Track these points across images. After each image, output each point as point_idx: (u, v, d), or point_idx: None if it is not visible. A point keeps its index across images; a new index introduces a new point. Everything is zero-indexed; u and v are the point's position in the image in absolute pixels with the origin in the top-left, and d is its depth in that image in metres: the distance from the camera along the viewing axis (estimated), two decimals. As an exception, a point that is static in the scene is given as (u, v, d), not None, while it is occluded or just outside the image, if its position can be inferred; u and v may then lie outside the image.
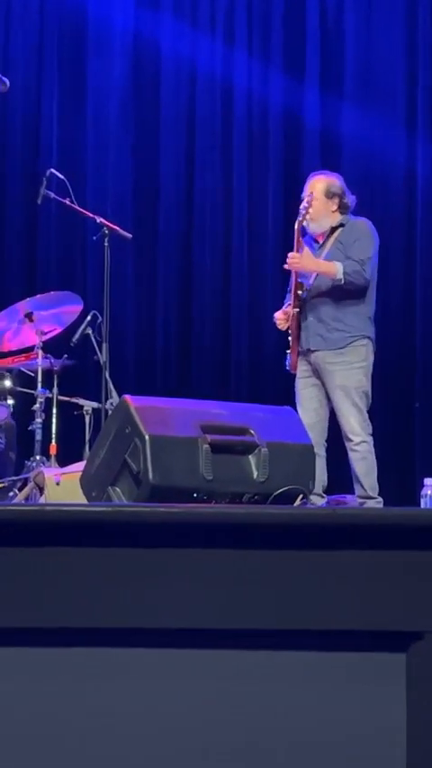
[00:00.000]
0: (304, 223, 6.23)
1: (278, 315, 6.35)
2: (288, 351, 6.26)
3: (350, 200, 6.32)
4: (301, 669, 2.59)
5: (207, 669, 2.58)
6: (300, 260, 6.15)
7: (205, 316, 8.91)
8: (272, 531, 2.56)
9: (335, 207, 6.26)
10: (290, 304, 6.27)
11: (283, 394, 7.48)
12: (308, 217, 6.22)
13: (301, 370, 6.22)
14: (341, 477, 6.42)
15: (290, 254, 6.18)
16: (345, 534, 2.44)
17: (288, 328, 6.25)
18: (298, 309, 6.22)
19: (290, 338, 6.24)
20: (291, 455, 4.52)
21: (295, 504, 4.45)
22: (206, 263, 8.98)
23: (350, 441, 6.07)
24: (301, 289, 6.22)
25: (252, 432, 4.46)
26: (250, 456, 4.43)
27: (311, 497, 5.83)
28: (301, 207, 6.22)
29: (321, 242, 6.30)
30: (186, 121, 9.09)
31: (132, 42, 9.03)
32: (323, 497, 6.04)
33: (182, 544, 2.51)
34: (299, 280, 6.23)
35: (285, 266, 6.24)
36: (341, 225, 6.28)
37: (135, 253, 8.75)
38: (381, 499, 6.05)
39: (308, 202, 6.20)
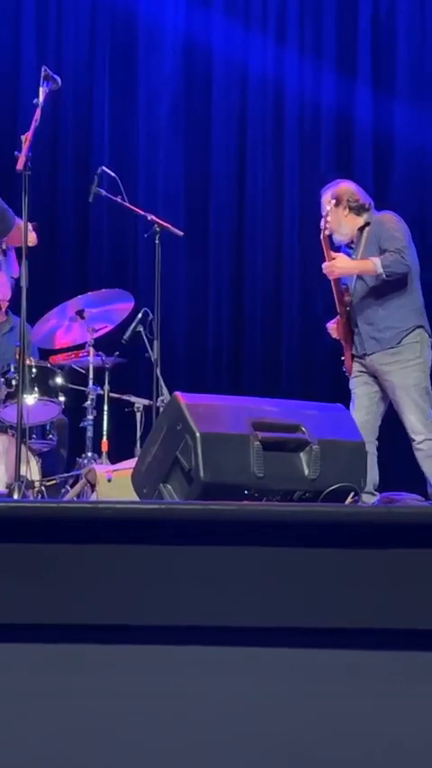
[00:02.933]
0: (335, 238, 6.26)
1: (330, 325, 6.40)
2: (342, 357, 6.33)
3: (362, 198, 6.30)
4: (355, 668, 2.58)
5: (259, 666, 2.58)
6: (333, 265, 6.17)
7: (256, 313, 8.91)
8: (325, 529, 2.55)
9: (346, 211, 6.26)
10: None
11: (334, 392, 7.46)
12: (330, 230, 6.24)
13: (356, 370, 6.25)
14: (395, 475, 6.40)
15: (324, 265, 6.20)
16: (400, 532, 2.42)
17: (338, 336, 6.34)
18: (345, 316, 6.26)
19: (343, 343, 6.32)
20: (342, 452, 4.52)
21: (347, 502, 4.43)
22: (257, 260, 8.98)
23: (413, 440, 6.04)
24: (346, 295, 6.24)
25: (303, 429, 4.46)
26: (301, 453, 4.43)
27: (363, 495, 5.83)
28: (321, 222, 6.24)
29: (354, 246, 6.29)
30: (237, 119, 9.09)
31: (183, 41, 9.04)
32: (375, 495, 6.01)
33: (233, 542, 2.51)
34: (342, 285, 6.25)
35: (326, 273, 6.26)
36: (367, 224, 6.27)
37: (186, 250, 8.75)
38: None
39: (325, 218, 6.23)
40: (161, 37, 9.06)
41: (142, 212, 6.96)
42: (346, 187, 6.35)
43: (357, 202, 6.28)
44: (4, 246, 5.46)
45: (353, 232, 6.28)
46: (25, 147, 4.98)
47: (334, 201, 6.25)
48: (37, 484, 6.33)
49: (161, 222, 6.87)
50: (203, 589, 2.49)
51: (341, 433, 4.59)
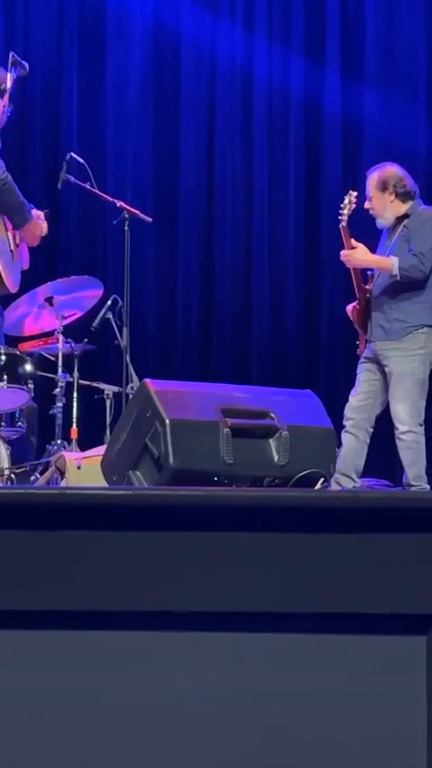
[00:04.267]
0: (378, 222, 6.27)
1: (348, 308, 6.40)
2: (357, 342, 6.37)
3: (409, 185, 6.26)
4: (321, 652, 2.59)
5: (225, 653, 2.58)
6: (350, 255, 6.18)
7: (226, 299, 8.91)
8: (292, 514, 2.56)
9: (392, 197, 6.22)
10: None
11: (303, 380, 7.49)
12: (372, 214, 6.25)
13: (364, 355, 6.27)
14: (383, 463, 6.42)
15: (342, 252, 6.21)
16: (365, 517, 2.44)
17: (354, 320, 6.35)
18: (364, 302, 6.26)
19: (357, 328, 6.34)
20: (312, 438, 4.54)
21: (316, 488, 4.45)
22: (226, 247, 8.97)
23: (396, 429, 6.02)
24: (370, 282, 6.26)
25: (273, 415, 4.47)
26: (271, 440, 4.45)
27: (342, 479, 5.85)
28: (342, 205, 6.23)
29: (390, 232, 6.29)
30: (206, 105, 9.08)
31: (151, 27, 9.01)
32: (356, 481, 6.01)
33: (202, 527, 2.51)
34: (368, 272, 6.28)
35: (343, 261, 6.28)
36: (407, 215, 6.24)
37: (156, 237, 8.74)
38: (427, 487, 5.99)
39: (368, 203, 6.24)
40: (129, 22, 9.02)
41: (111, 199, 6.94)
42: (394, 171, 6.29)
43: (405, 188, 6.23)
44: (18, 240, 5.44)
45: (394, 219, 6.25)
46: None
47: (380, 186, 6.22)
48: (6, 471, 6.31)
49: (130, 209, 6.86)
50: (171, 575, 2.49)
51: (310, 419, 4.61)
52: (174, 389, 4.43)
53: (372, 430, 6.13)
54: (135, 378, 6.59)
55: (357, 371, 6.26)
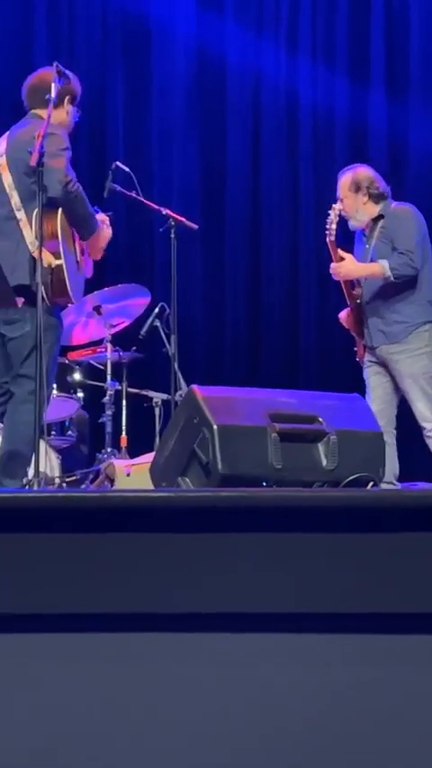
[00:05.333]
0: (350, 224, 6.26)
1: (341, 315, 6.42)
2: (355, 348, 6.37)
3: (381, 186, 6.29)
4: (377, 652, 2.58)
5: (283, 652, 2.58)
6: (341, 268, 6.18)
7: (273, 305, 8.91)
8: (341, 514, 2.55)
9: (365, 198, 6.24)
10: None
11: (353, 383, 7.44)
12: (344, 215, 6.26)
13: (368, 360, 6.27)
14: (416, 465, 6.39)
15: (331, 266, 6.21)
16: (412, 516, 2.42)
17: (349, 327, 6.36)
18: (356, 309, 6.28)
19: (354, 334, 6.35)
20: (360, 443, 4.51)
21: (365, 492, 4.42)
22: (273, 253, 8.98)
23: (423, 428, 6.05)
24: (357, 288, 6.26)
25: (321, 420, 4.46)
26: (319, 444, 4.43)
27: (383, 486, 5.82)
28: (327, 221, 6.24)
29: (367, 236, 6.29)
30: (252, 113, 9.11)
31: (195, 40, 9.05)
32: (395, 485, 6.01)
33: (249, 529, 2.51)
34: (353, 280, 6.27)
35: (334, 277, 6.28)
36: (381, 216, 6.25)
37: (203, 244, 8.75)
38: None
39: (339, 204, 6.25)
40: (173, 35, 9.08)
41: (156, 207, 6.95)
42: (366, 173, 6.31)
43: (377, 190, 6.26)
44: (82, 250, 5.47)
45: (369, 220, 6.27)
46: (38, 143, 4.97)
47: (353, 187, 6.24)
48: (57, 480, 6.35)
49: (176, 216, 6.86)
50: (215, 576, 2.49)
51: (359, 423, 4.59)
52: (221, 395, 4.43)
53: (395, 431, 6.14)
54: (183, 385, 6.59)
55: (364, 377, 6.26)
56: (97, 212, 5.62)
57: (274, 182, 9.04)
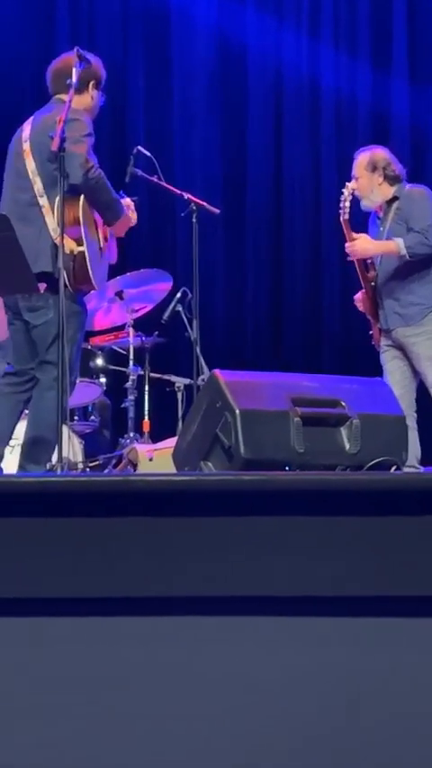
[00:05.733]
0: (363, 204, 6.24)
1: (357, 297, 6.40)
2: (371, 332, 6.35)
3: (397, 169, 6.28)
4: (400, 636, 2.58)
5: (302, 635, 2.58)
6: (356, 246, 6.16)
7: (296, 288, 8.89)
8: (365, 497, 2.55)
9: (380, 179, 6.23)
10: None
11: (377, 368, 7.43)
12: (357, 195, 6.26)
13: (384, 344, 6.27)
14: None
15: (346, 245, 6.20)
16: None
17: (364, 310, 6.36)
18: (371, 291, 6.27)
19: (369, 318, 6.35)
20: (383, 426, 4.50)
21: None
22: (296, 236, 8.95)
23: None
24: (372, 270, 6.24)
25: (343, 404, 4.44)
26: (342, 428, 4.42)
27: (406, 469, 5.81)
28: (341, 199, 6.22)
29: (381, 218, 6.28)
30: (274, 97, 9.09)
31: (216, 24, 9.03)
32: (418, 468, 6.00)
33: (272, 512, 2.51)
34: (367, 261, 6.27)
35: (349, 258, 6.27)
36: (395, 197, 6.23)
37: (225, 229, 8.75)
38: None
39: (354, 183, 6.23)
40: (194, 21, 9.06)
41: (178, 191, 6.93)
42: (383, 154, 6.31)
43: (393, 172, 6.25)
44: (107, 235, 5.48)
45: (383, 201, 6.25)
46: (59, 128, 4.97)
47: (370, 167, 6.23)
48: (80, 465, 6.36)
49: (197, 201, 6.85)
50: (238, 560, 2.49)
51: (381, 406, 4.57)
52: (243, 380, 4.42)
53: (416, 414, 6.12)
54: (206, 369, 6.59)
55: (382, 362, 6.25)
56: (122, 197, 5.62)
57: (295, 166, 9.01)
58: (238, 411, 4.21)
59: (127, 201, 5.62)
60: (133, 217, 5.62)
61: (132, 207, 5.65)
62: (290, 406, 4.32)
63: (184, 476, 2.94)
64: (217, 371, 4.39)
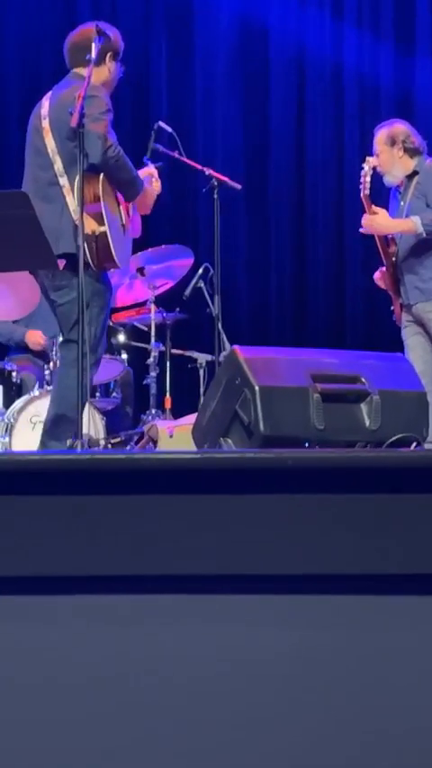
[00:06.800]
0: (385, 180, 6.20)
1: (376, 275, 6.38)
2: (392, 308, 6.30)
3: (417, 141, 6.24)
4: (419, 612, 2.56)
5: (318, 615, 2.56)
6: (373, 222, 6.12)
7: (319, 264, 8.86)
8: (385, 474, 2.53)
9: (401, 152, 6.20)
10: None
11: (399, 344, 7.39)
12: (380, 171, 6.23)
13: (406, 320, 6.26)
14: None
15: (363, 218, 6.15)
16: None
17: (385, 286, 6.32)
18: (391, 267, 6.25)
19: (390, 294, 6.30)
20: (403, 402, 4.47)
21: (408, 452, 4.39)
22: (318, 213, 8.93)
23: None
24: (392, 245, 6.21)
25: (363, 380, 4.41)
26: (362, 404, 4.39)
27: (427, 446, 5.78)
28: (362, 173, 6.19)
29: (402, 192, 6.24)
30: (296, 73, 9.05)
31: (238, 9, 9.01)
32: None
33: (292, 490, 2.49)
34: (388, 236, 6.20)
35: (361, 230, 6.23)
36: (416, 172, 6.19)
37: (247, 204, 8.72)
38: None
39: (375, 159, 6.21)
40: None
41: (200, 167, 6.90)
42: (402, 127, 6.28)
43: (413, 144, 6.21)
44: (130, 211, 5.46)
45: (404, 175, 6.21)
46: (78, 104, 4.94)
47: (389, 141, 6.19)
48: (102, 442, 6.36)
49: (219, 176, 6.82)
50: (259, 537, 2.47)
51: (402, 382, 4.54)
52: (263, 356, 4.39)
53: None
54: (228, 346, 6.58)
55: (403, 337, 6.22)
56: (147, 164, 5.60)
57: (318, 140, 8.98)
58: (257, 387, 4.18)
59: (151, 170, 5.60)
60: (157, 185, 5.60)
61: (156, 175, 5.63)
62: (309, 383, 4.29)
63: (201, 453, 2.91)
64: (236, 348, 4.37)
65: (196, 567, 2.47)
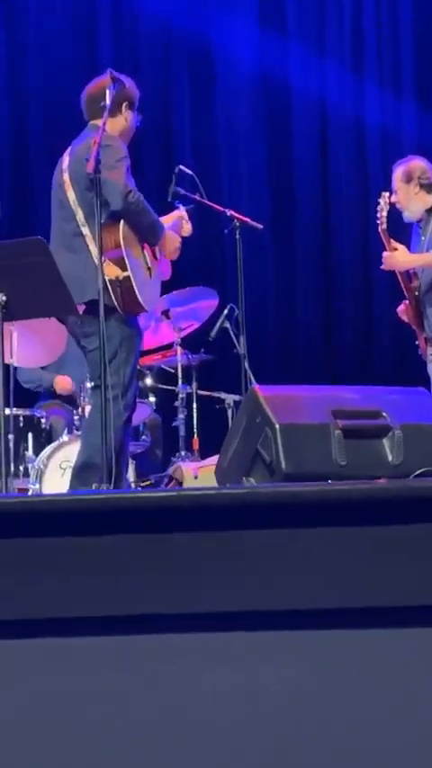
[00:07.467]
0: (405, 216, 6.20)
1: (400, 309, 6.39)
2: (417, 342, 6.31)
3: None
4: None
5: (346, 650, 2.55)
6: (392, 259, 6.15)
7: (346, 302, 8.86)
8: (409, 505, 2.52)
9: (417, 188, 6.22)
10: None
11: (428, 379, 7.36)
12: (399, 207, 6.26)
13: (430, 354, 6.20)
14: None
15: (383, 255, 6.16)
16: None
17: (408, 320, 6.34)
18: (414, 301, 6.27)
19: (414, 328, 6.33)
20: (426, 436, 4.45)
21: None
22: (344, 250, 8.93)
23: None
24: (415, 280, 6.21)
25: (385, 414, 4.40)
26: (384, 439, 4.37)
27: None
28: (378, 209, 6.20)
29: (423, 228, 6.25)
30: (318, 115, 9.12)
31: (258, 57, 9.08)
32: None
33: (316, 524, 2.48)
34: (410, 272, 6.22)
35: (382, 267, 6.25)
36: None
37: (273, 244, 8.75)
38: None
39: (394, 196, 6.25)
40: (238, 48, 9.10)
41: (221, 208, 6.94)
42: (419, 164, 6.31)
43: (429, 180, 6.22)
44: (157, 254, 5.51)
45: (423, 211, 6.23)
46: (94, 150, 4.99)
47: (405, 178, 6.22)
48: (132, 485, 6.37)
49: (240, 217, 6.85)
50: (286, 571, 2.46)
51: (424, 416, 4.52)
52: (283, 394, 4.40)
53: None
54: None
55: (429, 372, 6.20)
56: (177, 207, 5.64)
57: (343, 180, 9.01)
58: (277, 426, 4.18)
59: (181, 213, 5.64)
60: (187, 227, 5.65)
61: (186, 217, 5.67)
62: (330, 419, 4.28)
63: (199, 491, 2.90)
64: (256, 386, 4.39)
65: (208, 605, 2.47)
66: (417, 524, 2.56)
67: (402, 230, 6.47)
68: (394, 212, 6.31)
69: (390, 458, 4.34)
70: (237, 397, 6.97)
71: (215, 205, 6.97)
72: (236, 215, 6.86)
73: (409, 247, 6.27)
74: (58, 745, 2.37)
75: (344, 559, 2.47)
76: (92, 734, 2.36)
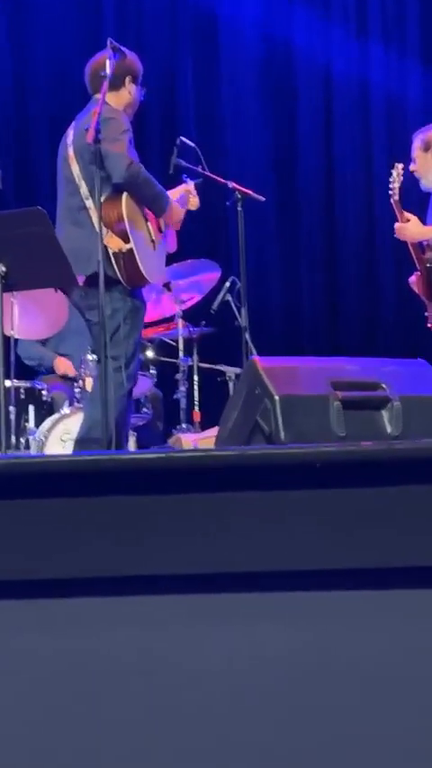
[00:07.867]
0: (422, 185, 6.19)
1: (412, 279, 6.38)
2: (426, 313, 6.25)
3: None
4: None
5: (341, 610, 2.55)
6: (404, 230, 6.12)
7: (350, 274, 8.84)
8: (404, 466, 2.52)
9: None
10: None
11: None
12: (417, 176, 6.23)
13: None
14: None
15: (395, 226, 6.13)
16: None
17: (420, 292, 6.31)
18: (425, 273, 6.23)
19: (425, 300, 6.30)
20: (426, 408, 4.43)
21: None
22: (349, 220, 8.91)
23: None
24: (428, 251, 6.19)
25: (384, 386, 4.39)
26: (383, 411, 4.35)
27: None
28: (390, 180, 6.18)
29: None
30: (322, 84, 9.08)
31: (263, 16, 9.03)
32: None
33: (308, 485, 2.48)
34: (423, 243, 6.20)
35: (395, 235, 6.23)
36: None
37: (277, 215, 8.73)
38: None
39: (412, 165, 6.21)
40: (242, 8, 9.05)
41: (222, 180, 6.91)
42: None
43: None
44: (162, 226, 5.51)
45: None
46: (94, 120, 4.98)
47: (424, 146, 6.18)
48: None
49: (242, 189, 6.83)
50: (282, 533, 2.46)
51: (423, 388, 4.51)
52: (282, 365, 4.39)
53: None
54: (257, 357, 6.56)
55: None
56: (185, 181, 5.63)
57: (346, 150, 8.98)
58: (277, 397, 4.17)
59: (188, 186, 5.64)
60: (195, 201, 5.65)
61: (193, 191, 5.67)
62: (329, 390, 4.27)
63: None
64: (256, 358, 4.38)
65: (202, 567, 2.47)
66: (409, 485, 2.55)
67: (414, 202, 6.44)
68: (406, 183, 6.28)
69: (389, 429, 4.33)
70: (238, 370, 6.97)
71: (217, 177, 6.95)
72: (238, 187, 6.84)
73: (426, 216, 6.23)
74: (54, 711, 2.38)
75: (337, 520, 2.47)
76: (89, 691, 2.37)
